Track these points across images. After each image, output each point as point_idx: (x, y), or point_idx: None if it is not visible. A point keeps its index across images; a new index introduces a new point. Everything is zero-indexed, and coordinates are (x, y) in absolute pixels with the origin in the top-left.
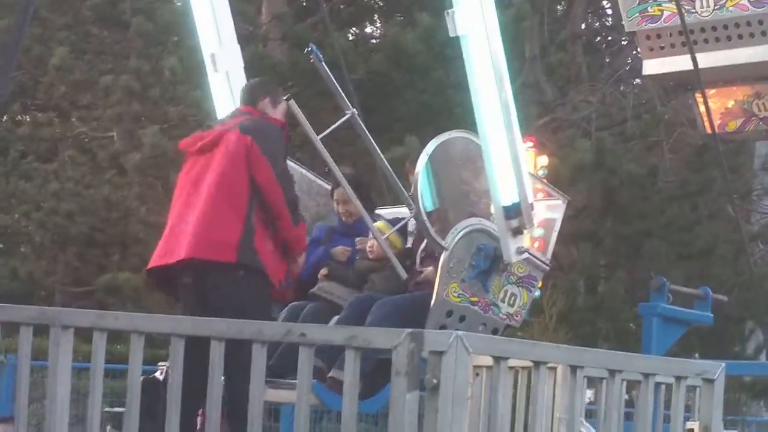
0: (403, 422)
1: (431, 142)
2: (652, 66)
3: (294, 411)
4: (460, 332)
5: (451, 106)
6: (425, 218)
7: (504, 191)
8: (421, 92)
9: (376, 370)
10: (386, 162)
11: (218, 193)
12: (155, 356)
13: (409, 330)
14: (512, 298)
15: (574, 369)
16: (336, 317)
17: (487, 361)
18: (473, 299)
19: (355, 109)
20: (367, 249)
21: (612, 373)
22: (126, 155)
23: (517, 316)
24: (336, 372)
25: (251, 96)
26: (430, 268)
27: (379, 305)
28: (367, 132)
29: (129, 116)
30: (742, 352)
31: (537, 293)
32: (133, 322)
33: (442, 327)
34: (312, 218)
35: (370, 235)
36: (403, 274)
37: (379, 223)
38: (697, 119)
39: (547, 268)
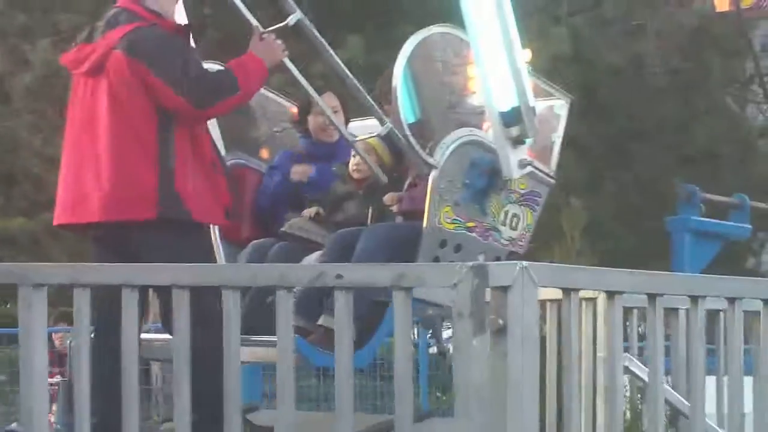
0: (470, 373)
1: (408, 41)
2: None
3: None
4: (525, 263)
5: None
6: (408, 132)
7: (500, 94)
8: None
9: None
10: (346, 69)
11: (119, 135)
12: None
13: (472, 263)
14: (514, 220)
15: (652, 298)
16: (310, 256)
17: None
18: (470, 224)
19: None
20: (352, 168)
21: (694, 299)
22: (12, 78)
23: (521, 241)
24: (326, 319)
25: None
26: (390, 194)
27: (365, 239)
28: (321, 38)
29: (12, 29)
30: (757, 267)
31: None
32: (123, 274)
33: (435, 259)
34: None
35: (353, 155)
36: (384, 179)
37: (371, 140)
38: None
39: (553, 181)
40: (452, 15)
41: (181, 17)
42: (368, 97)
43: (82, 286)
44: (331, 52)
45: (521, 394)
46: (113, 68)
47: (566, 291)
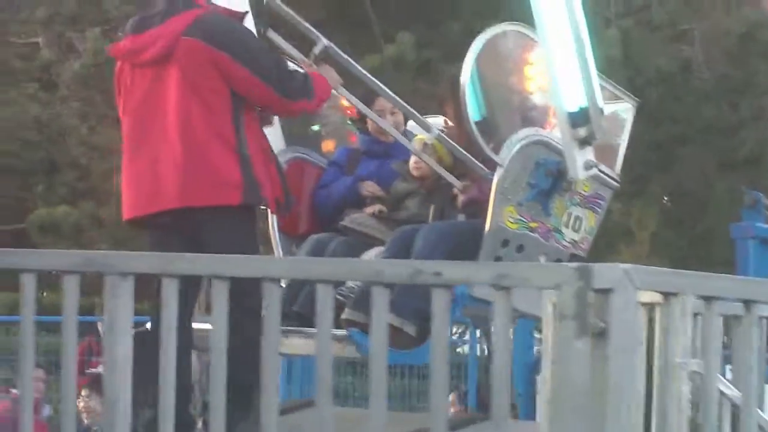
0: (571, 376)
1: (478, 38)
2: None
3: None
4: (626, 265)
5: None
6: (475, 130)
7: (569, 94)
8: None
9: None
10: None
11: (194, 121)
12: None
13: (575, 264)
14: (577, 222)
15: (748, 305)
16: (370, 251)
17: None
18: (532, 225)
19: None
20: (413, 166)
21: None
22: (59, 65)
23: (583, 243)
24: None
25: None
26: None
27: (425, 234)
28: (352, 60)
29: (59, 17)
30: None
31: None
32: (212, 266)
33: (497, 258)
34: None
35: (412, 156)
36: (458, 184)
37: (422, 137)
38: None
39: (617, 185)
40: (501, 12)
41: (240, 4)
42: (410, 108)
43: (170, 276)
44: (364, 72)
45: (621, 398)
46: (185, 55)
47: (666, 296)
